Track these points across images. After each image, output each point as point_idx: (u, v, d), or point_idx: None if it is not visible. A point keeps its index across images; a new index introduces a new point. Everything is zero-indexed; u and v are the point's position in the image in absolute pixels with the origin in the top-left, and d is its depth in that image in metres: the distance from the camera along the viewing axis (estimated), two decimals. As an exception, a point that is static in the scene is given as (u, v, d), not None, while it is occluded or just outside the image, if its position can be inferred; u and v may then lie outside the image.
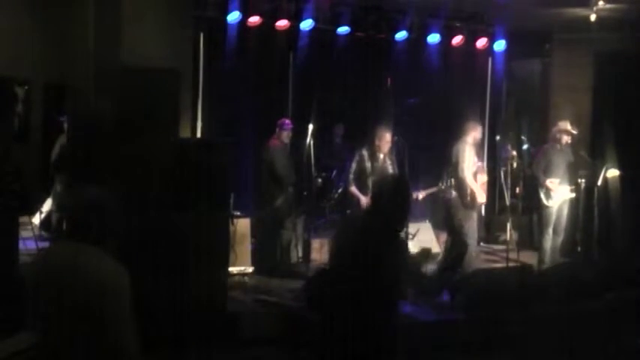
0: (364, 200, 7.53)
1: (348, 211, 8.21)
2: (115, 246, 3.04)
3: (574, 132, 8.29)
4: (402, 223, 4.05)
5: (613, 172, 8.39)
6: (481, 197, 7.82)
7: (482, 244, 10.02)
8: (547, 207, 8.29)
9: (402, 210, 3.72)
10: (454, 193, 7.77)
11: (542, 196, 8.28)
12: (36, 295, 2.97)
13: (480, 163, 8.06)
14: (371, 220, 3.69)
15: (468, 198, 7.64)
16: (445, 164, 8.06)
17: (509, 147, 8.86)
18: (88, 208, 3.00)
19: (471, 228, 7.82)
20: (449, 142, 7.97)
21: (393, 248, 3.62)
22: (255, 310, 6.50)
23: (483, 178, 8.04)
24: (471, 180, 7.66)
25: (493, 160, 10.49)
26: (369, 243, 3.51)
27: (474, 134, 7.75)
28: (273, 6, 8.57)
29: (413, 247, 8.77)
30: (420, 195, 7.88)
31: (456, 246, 7.78)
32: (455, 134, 7.86)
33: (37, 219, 8.63)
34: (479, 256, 8.44)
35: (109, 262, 2.96)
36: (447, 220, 8.16)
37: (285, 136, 8.14)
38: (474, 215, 7.96)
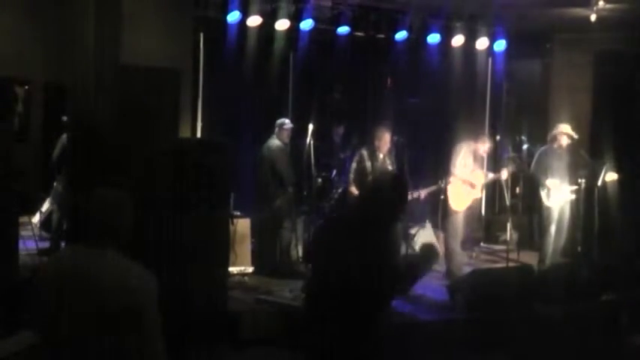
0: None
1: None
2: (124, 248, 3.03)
3: (575, 135, 8.30)
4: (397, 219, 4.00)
5: (612, 176, 8.40)
6: (457, 205, 7.98)
7: (482, 244, 10.04)
8: (548, 207, 8.29)
9: (398, 206, 3.66)
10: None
11: (543, 196, 8.29)
12: (51, 299, 2.92)
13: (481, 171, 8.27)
14: (362, 219, 3.61)
15: (448, 200, 8.03)
16: (445, 164, 8.14)
17: (509, 147, 8.88)
18: (111, 211, 2.96)
19: (452, 229, 8.00)
20: (449, 142, 8.08)
21: (384, 246, 3.57)
22: (255, 310, 6.50)
23: (480, 178, 8.18)
24: (457, 183, 7.93)
25: (493, 160, 10.50)
26: (362, 243, 3.46)
27: (478, 146, 8.04)
28: (273, 6, 8.57)
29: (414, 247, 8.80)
30: (422, 194, 7.89)
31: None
32: (459, 137, 8.11)
33: (37, 219, 8.63)
34: (463, 257, 8.47)
35: (139, 268, 2.95)
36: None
37: (286, 135, 8.13)
38: (457, 217, 8.04)
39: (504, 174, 8.49)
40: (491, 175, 8.55)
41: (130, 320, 2.84)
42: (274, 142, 8.07)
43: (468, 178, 8.02)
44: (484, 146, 8.14)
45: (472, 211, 8.53)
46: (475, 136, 8.25)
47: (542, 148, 8.53)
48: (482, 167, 8.38)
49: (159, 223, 5.79)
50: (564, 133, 8.28)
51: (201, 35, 8.55)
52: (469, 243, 9.17)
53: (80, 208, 5.50)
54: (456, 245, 8.12)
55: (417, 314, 6.79)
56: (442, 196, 8.12)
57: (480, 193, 8.49)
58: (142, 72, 6.18)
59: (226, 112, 9.28)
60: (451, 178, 7.95)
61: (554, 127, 8.46)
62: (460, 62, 10.21)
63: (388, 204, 3.56)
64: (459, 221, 8.09)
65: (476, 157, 8.12)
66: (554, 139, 8.35)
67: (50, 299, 2.93)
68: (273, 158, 7.95)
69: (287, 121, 8.28)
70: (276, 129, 8.13)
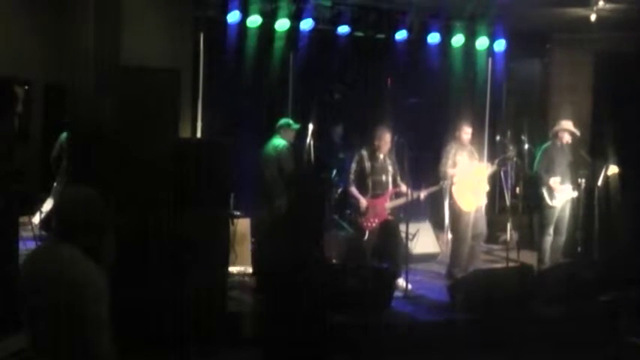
0: (364, 201, 7.52)
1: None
2: (97, 244, 3.02)
3: (576, 132, 8.30)
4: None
5: (613, 169, 8.38)
6: (466, 205, 7.93)
7: (482, 244, 10.01)
8: (550, 207, 8.28)
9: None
10: None
11: (545, 195, 8.27)
12: (23, 297, 2.96)
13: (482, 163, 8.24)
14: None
15: (456, 202, 7.99)
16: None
17: (509, 147, 8.85)
18: (67, 207, 2.98)
19: (462, 231, 7.99)
20: (447, 142, 8.09)
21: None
22: (255, 310, 6.50)
23: (482, 171, 8.16)
24: (462, 183, 7.91)
25: (493, 160, 10.50)
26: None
27: (462, 136, 8.01)
28: (273, 6, 8.58)
29: (414, 247, 8.79)
30: (422, 194, 7.86)
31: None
32: (450, 135, 8.11)
33: (37, 219, 8.63)
34: (476, 254, 8.41)
35: (87, 264, 2.93)
36: None
37: (292, 135, 8.12)
38: (467, 218, 7.99)
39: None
40: (491, 166, 8.46)
41: (72, 317, 2.83)
42: (281, 141, 8.04)
43: (470, 174, 7.97)
44: (466, 134, 8.05)
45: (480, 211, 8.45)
46: (457, 129, 8.12)
47: (545, 145, 8.51)
48: (476, 158, 8.28)
49: (159, 223, 5.79)
50: (566, 129, 8.28)
51: (201, 35, 8.56)
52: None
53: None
54: (464, 248, 8.06)
55: (417, 314, 6.79)
56: (450, 200, 8.06)
57: (487, 186, 8.37)
58: (142, 72, 6.18)
59: (226, 112, 9.28)
60: (455, 179, 7.89)
61: (557, 124, 8.46)
62: (460, 62, 10.22)
63: (309, 204, 3.61)
64: (469, 222, 8.02)
65: (466, 148, 8.06)
66: (557, 135, 8.35)
67: (21, 296, 3.00)
68: (281, 158, 7.92)
69: (291, 121, 8.27)
70: (282, 129, 8.09)
